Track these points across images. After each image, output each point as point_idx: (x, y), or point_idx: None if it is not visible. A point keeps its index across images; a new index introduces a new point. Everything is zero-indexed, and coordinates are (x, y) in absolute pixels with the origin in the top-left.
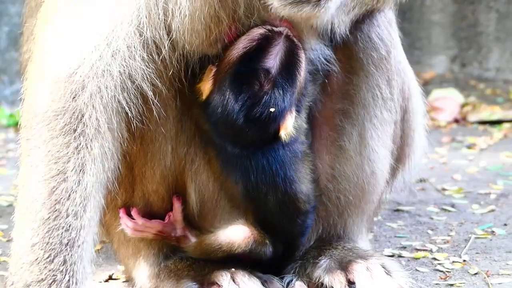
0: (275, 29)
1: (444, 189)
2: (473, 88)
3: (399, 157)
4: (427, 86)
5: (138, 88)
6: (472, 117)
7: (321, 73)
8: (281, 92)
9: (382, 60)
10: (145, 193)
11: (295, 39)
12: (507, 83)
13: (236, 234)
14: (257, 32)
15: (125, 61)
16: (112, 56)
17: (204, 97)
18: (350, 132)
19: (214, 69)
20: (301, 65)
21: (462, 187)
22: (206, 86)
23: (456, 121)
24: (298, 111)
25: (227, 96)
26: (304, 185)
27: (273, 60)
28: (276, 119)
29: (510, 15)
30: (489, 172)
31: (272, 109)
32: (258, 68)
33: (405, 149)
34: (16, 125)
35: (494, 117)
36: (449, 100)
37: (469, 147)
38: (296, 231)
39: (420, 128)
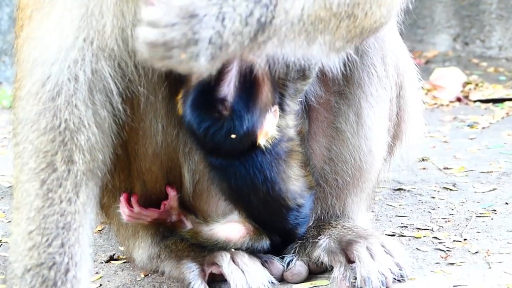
0: None
1: (446, 168)
2: (476, 66)
3: (396, 133)
4: (429, 64)
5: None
6: (475, 96)
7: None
8: (241, 116)
9: (376, 38)
10: (139, 172)
11: (251, 59)
12: (510, 61)
13: (231, 232)
14: None
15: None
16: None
17: (180, 112)
18: (346, 113)
19: (183, 90)
20: (259, 85)
21: (464, 166)
22: (180, 104)
23: (459, 99)
24: (282, 110)
25: (191, 124)
26: (290, 184)
27: (226, 88)
28: (243, 139)
29: None
30: (491, 150)
31: (233, 136)
32: (214, 98)
33: (401, 125)
34: None
35: (497, 96)
36: (452, 78)
37: (471, 125)
38: (289, 226)
39: (416, 104)
